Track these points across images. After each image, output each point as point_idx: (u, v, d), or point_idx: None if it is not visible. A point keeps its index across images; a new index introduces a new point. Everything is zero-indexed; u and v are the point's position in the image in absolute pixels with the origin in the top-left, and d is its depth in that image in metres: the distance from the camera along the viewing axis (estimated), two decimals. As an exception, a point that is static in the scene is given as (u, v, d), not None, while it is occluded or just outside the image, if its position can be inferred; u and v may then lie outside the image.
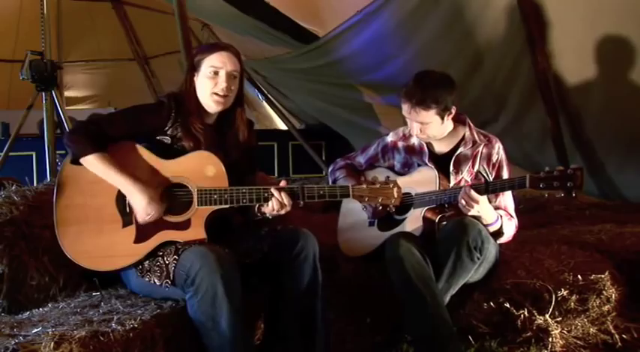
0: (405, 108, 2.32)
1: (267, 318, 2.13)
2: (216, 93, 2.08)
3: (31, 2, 5.32)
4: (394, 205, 2.08)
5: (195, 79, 2.12)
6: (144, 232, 1.99)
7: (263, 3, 4.69)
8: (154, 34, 7.32)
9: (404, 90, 2.31)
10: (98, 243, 1.98)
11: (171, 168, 2.04)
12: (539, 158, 3.98)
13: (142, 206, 1.96)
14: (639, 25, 3.12)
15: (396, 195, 2.05)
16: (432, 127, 2.32)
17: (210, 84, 2.08)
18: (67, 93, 7.86)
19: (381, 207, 2.10)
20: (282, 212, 2.03)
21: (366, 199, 2.06)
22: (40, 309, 2.05)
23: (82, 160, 1.98)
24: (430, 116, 2.28)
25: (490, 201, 2.27)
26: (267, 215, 2.08)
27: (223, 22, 5.30)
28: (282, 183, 2.05)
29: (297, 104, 6.66)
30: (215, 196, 2.01)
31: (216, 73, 2.08)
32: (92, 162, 1.97)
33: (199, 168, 2.03)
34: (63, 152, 3.85)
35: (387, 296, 2.32)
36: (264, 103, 7.03)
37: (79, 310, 1.93)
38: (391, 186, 2.05)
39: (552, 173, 2.04)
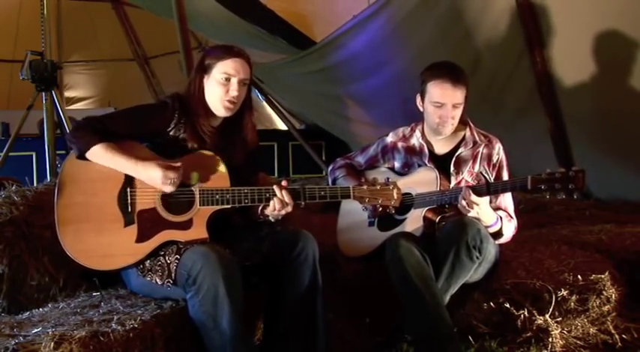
0: (444, 88, 2.28)
1: (267, 318, 2.13)
2: (227, 100, 2.07)
3: (31, 2, 5.32)
4: (394, 206, 2.09)
5: (204, 81, 2.11)
6: (146, 231, 1.99)
7: (260, 6, 4.69)
8: (154, 34, 7.32)
9: (437, 73, 2.31)
10: (99, 242, 1.98)
11: None
12: (527, 166, 3.99)
13: (159, 175, 1.95)
14: (636, 27, 3.13)
15: (395, 196, 2.06)
16: (460, 111, 2.33)
17: (222, 90, 2.07)
18: (67, 94, 7.87)
19: (381, 208, 2.11)
20: (284, 212, 2.03)
21: (367, 200, 2.06)
22: (40, 309, 2.05)
23: (87, 153, 1.96)
24: (463, 95, 2.31)
25: (490, 202, 2.26)
26: (270, 218, 2.08)
27: (218, 31, 5.30)
28: (284, 183, 2.05)
29: (296, 107, 6.69)
30: (217, 196, 2.01)
31: (228, 80, 2.07)
32: (98, 153, 1.96)
33: (201, 169, 2.03)
34: (63, 152, 3.89)
35: (387, 296, 2.32)
36: (264, 103, 7.03)
37: (79, 310, 1.93)
38: (391, 187, 2.06)
39: (554, 175, 2.03)
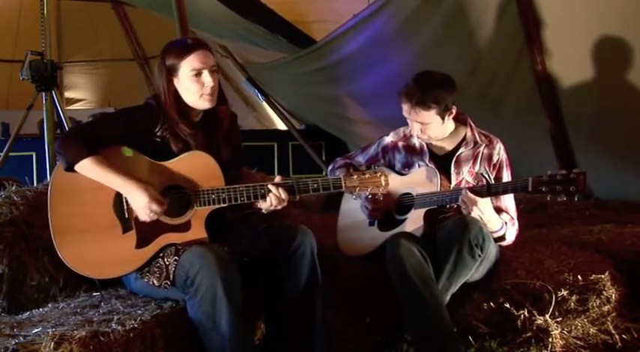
0: (405, 108, 2.32)
1: (267, 318, 2.13)
2: (205, 93, 2.05)
3: (31, 2, 5.32)
4: (382, 193, 2.12)
5: (174, 83, 2.06)
6: (145, 237, 1.98)
7: (261, 4, 4.68)
8: (154, 34, 7.29)
9: (403, 91, 2.31)
10: (99, 251, 1.97)
11: (167, 170, 2.03)
12: (527, 167, 4.00)
13: (143, 204, 1.94)
14: (635, 27, 3.13)
15: (383, 183, 2.08)
16: (432, 128, 2.32)
17: (197, 85, 2.03)
18: (67, 94, 7.86)
19: (370, 196, 2.13)
20: (280, 207, 2.04)
21: (357, 189, 2.09)
22: (40, 309, 2.05)
23: (76, 167, 1.94)
24: (430, 116, 2.28)
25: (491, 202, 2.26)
26: (263, 210, 2.08)
27: (219, 29, 5.30)
28: (278, 179, 2.06)
29: (295, 107, 6.70)
30: (213, 196, 2.01)
31: (199, 74, 2.03)
32: (87, 167, 1.94)
33: (195, 169, 2.03)
34: (63, 152, 3.86)
35: (387, 296, 2.32)
36: (264, 104, 7.03)
37: (79, 310, 1.93)
38: (379, 175, 2.09)
39: (555, 176, 2.03)
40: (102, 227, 1.98)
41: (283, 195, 2.02)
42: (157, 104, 2.07)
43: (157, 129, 2.06)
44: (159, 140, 2.06)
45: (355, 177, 2.08)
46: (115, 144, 2.01)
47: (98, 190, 1.98)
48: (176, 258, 1.94)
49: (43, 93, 3.77)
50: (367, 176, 2.08)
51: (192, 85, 2.04)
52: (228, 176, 2.06)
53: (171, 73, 2.05)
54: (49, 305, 2.09)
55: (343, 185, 2.07)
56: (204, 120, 2.15)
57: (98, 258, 1.97)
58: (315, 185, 2.06)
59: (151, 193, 1.95)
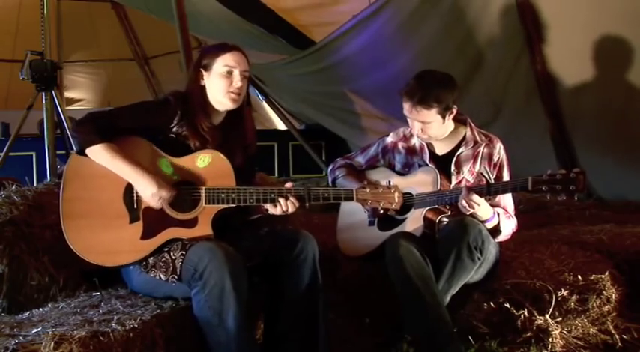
0: (407, 107, 2.31)
1: (267, 318, 2.13)
2: (232, 92, 2.09)
3: (31, 2, 5.32)
4: (394, 209, 2.11)
5: (204, 78, 2.12)
6: (151, 229, 1.99)
7: (261, 5, 4.68)
8: (154, 34, 7.33)
9: (405, 90, 2.31)
10: (104, 238, 1.97)
11: (179, 166, 2.04)
12: (532, 166, 4.00)
13: (151, 191, 1.95)
14: (636, 26, 3.13)
15: (397, 200, 2.09)
16: (433, 127, 2.32)
17: (225, 83, 2.08)
18: (67, 94, 7.87)
19: (382, 211, 2.13)
20: (289, 212, 2.05)
21: (369, 203, 2.09)
22: (40, 309, 2.05)
23: (87, 151, 1.96)
24: (432, 115, 2.28)
25: (488, 200, 2.26)
26: (270, 212, 2.09)
27: (218, 30, 5.30)
28: (289, 185, 2.06)
29: (297, 107, 6.70)
30: (222, 195, 2.01)
31: (230, 73, 2.09)
32: (98, 152, 1.96)
33: (207, 167, 2.04)
34: (63, 152, 3.87)
35: (387, 296, 2.32)
36: (264, 104, 7.04)
37: (79, 310, 1.93)
38: (393, 191, 2.09)
39: (555, 176, 2.03)
40: (110, 214, 1.99)
41: (294, 203, 2.03)
42: (176, 100, 2.09)
43: (173, 125, 2.08)
44: (174, 136, 2.08)
45: (368, 190, 2.08)
46: (130, 134, 2.03)
47: (111, 178, 1.98)
48: (183, 252, 1.94)
49: (43, 93, 3.77)
50: (380, 190, 2.08)
51: (221, 81, 2.08)
52: (238, 181, 2.06)
53: (205, 68, 2.11)
54: (49, 305, 2.09)
55: (355, 197, 2.07)
56: (224, 124, 2.17)
57: (102, 245, 1.97)
58: (327, 194, 2.06)
59: (159, 181, 1.96)
